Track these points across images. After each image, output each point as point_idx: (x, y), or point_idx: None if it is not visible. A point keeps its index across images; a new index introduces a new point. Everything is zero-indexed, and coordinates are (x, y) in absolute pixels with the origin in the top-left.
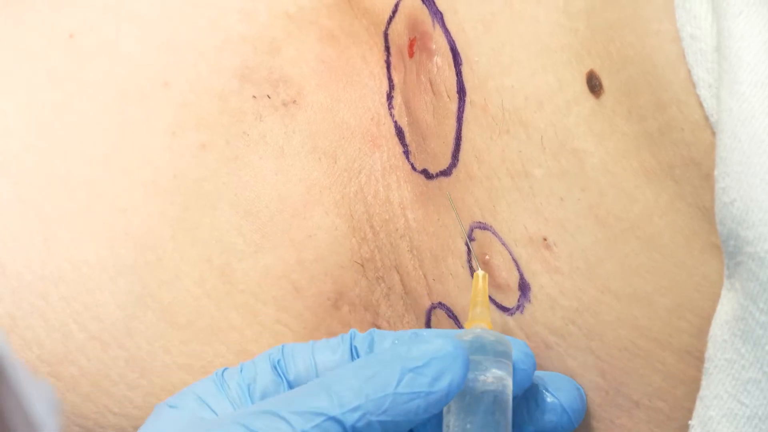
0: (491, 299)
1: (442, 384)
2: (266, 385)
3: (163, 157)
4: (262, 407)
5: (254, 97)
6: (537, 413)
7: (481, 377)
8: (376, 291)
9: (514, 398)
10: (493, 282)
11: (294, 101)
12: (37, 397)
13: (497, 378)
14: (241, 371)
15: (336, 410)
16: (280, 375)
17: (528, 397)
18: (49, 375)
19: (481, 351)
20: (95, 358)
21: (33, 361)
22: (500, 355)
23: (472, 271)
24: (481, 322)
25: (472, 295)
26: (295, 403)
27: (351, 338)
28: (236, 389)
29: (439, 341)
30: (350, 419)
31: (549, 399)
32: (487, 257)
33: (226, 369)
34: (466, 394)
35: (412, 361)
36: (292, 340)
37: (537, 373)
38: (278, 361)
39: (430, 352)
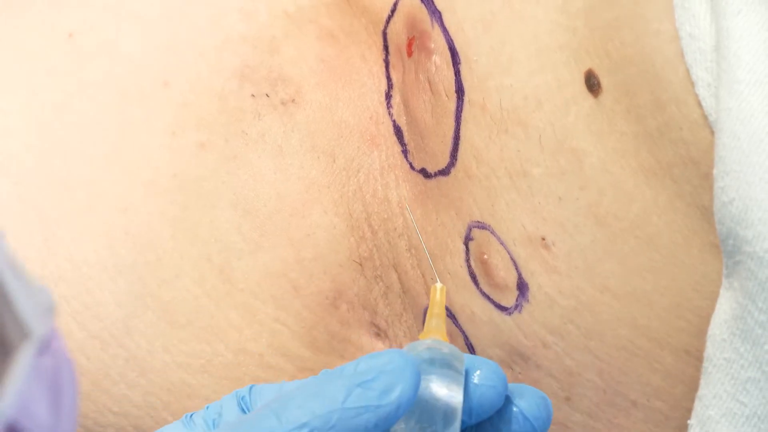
0: (490, 298)
1: (392, 397)
2: (231, 420)
3: (162, 156)
4: None
5: (253, 96)
6: (500, 424)
7: (433, 389)
8: (374, 290)
9: (487, 418)
10: (492, 281)
11: (293, 100)
12: (30, 300)
13: (448, 390)
14: (207, 409)
15: (282, 429)
16: (244, 410)
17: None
18: None
19: (432, 363)
20: (95, 357)
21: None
22: (452, 367)
23: (471, 270)
24: (435, 334)
25: (429, 307)
26: (244, 426)
27: None
28: (201, 425)
29: (387, 355)
30: None
31: (511, 408)
32: (485, 256)
33: (194, 413)
34: (415, 406)
35: (360, 375)
36: (290, 339)
37: None
38: (243, 398)
39: (378, 365)
